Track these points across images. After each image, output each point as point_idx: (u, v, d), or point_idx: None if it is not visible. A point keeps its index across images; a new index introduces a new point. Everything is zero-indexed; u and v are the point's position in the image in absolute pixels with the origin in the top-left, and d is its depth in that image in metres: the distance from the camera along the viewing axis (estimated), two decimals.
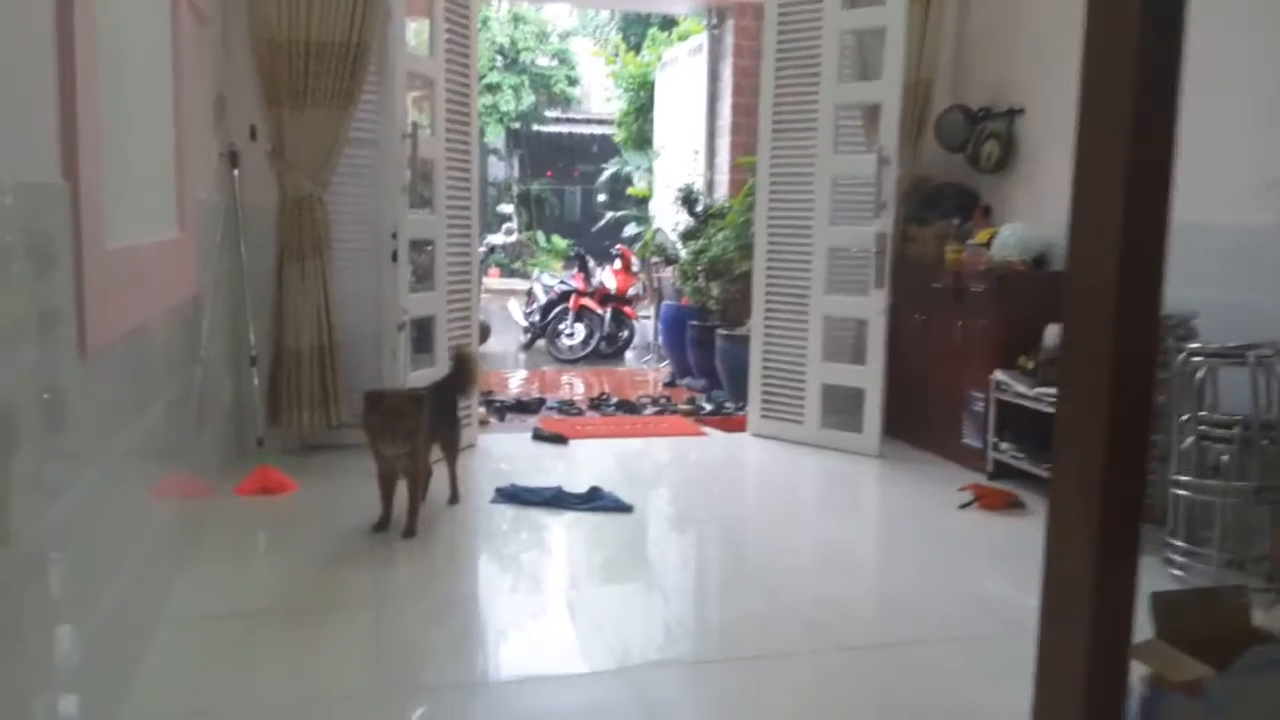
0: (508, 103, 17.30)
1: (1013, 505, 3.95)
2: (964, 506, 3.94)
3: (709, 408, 5.84)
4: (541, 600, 3.01)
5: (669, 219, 7.89)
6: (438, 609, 2.88)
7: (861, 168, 4.74)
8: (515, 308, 9.51)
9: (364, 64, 4.19)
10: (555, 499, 3.82)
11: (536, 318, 9.11)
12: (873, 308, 4.67)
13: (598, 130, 18.00)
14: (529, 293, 9.64)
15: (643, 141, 9.89)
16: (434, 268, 4.54)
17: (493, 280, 14.07)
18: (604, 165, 12.16)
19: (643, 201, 10.15)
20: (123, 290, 2.16)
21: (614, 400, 6.09)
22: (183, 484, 3.18)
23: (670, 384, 7.04)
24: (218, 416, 3.88)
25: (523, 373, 7.95)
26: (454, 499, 3.82)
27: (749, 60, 7.40)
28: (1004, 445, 4.26)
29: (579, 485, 4.00)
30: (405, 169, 4.17)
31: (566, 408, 5.85)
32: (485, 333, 8.07)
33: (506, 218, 16.19)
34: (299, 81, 4.15)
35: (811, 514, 4.09)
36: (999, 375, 4.25)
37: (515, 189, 18.41)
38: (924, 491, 4.23)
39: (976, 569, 3.33)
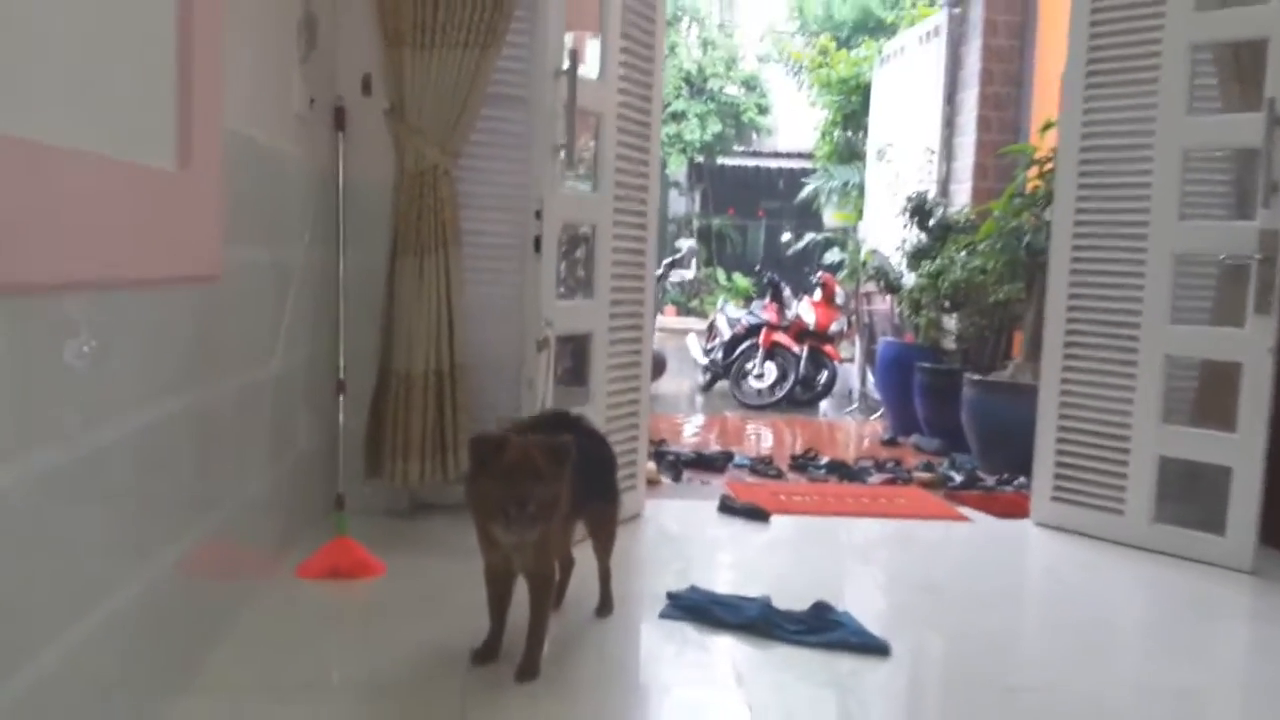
0: (692, 132, 16.29)
1: None
2: None
3: (959, 478, 4.29)
4: None
5: (888, 238, 6.41)
6: None
7: (1231, 134, 3.16)
8: (694, 343, 8.22)
9: None
10: (761, 620, 2.42)
11: (719, 355, 7.76)
12: (1251, 344, 3.05)
13: (785, 165, 16.74)
14: (710, 326, 8.33)
15: (850, 156, 8.45)
16: (593, 267, 3.29)
17: (668, 319, 12.97)
18: (803, 182, 10.48)
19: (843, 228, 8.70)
20: None
21: (824, 461, 4.64)
22: (204, 563, 2.05)
23: (890, 441, 5.52)
24: (289, 461, 2.78)
25: (700, 418, 6.66)
26: (605, 608, 2.50)
27: (1004, 40, 5.91)
28: None
29: (794, 593, 2.60)
30: (559, 123, 2.95)
31: (762, 468, 4.46)
32: (660, 366, 6.80)
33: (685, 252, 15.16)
34: (427, 10, 3.05)
35: (1161, 669, 2.46)
36: None
37: (695, 224, 17.42)
38: None
39: None
